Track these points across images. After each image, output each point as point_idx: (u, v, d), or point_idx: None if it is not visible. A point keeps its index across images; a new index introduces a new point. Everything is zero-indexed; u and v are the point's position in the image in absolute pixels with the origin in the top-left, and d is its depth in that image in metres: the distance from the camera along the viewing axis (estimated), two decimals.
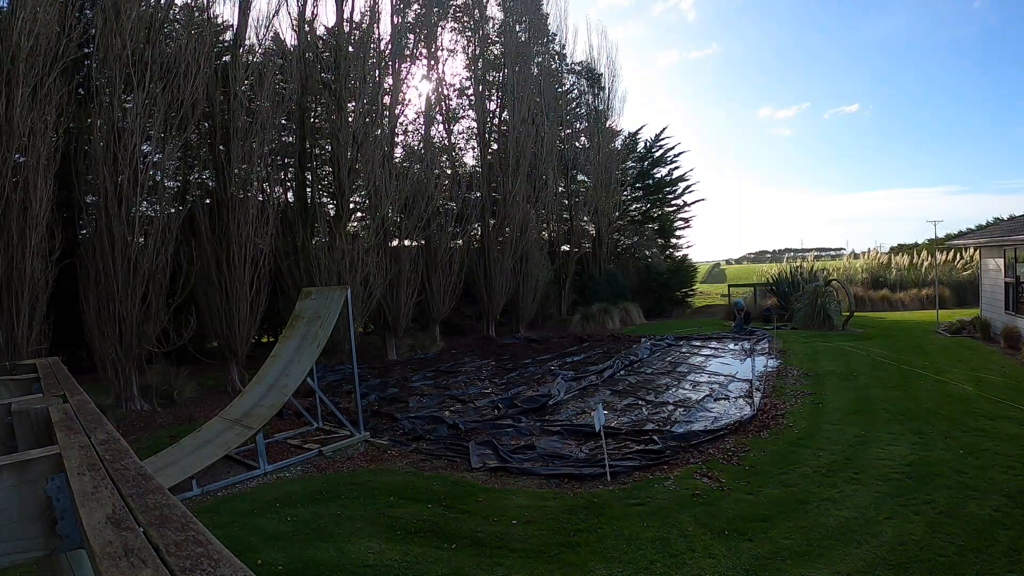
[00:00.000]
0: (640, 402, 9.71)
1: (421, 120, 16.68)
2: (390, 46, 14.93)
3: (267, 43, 12.80)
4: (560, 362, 13.60)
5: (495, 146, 18.73)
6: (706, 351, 14.48)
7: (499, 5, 18.72)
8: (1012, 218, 20.28)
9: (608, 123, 22.62)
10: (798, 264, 26.02)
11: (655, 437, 7.64)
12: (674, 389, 10.52)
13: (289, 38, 13.33)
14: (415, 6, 16.04)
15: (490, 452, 7.48)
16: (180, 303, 10.89)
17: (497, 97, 18.65)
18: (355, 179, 13.91)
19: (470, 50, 18.23)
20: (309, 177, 14.43)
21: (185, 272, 11.04)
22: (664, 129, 31.00)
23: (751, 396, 9.66)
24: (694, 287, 26.18)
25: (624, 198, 24.32)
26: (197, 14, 11.46)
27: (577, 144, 21.90)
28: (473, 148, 18.96)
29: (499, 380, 12.06)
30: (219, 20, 12.58)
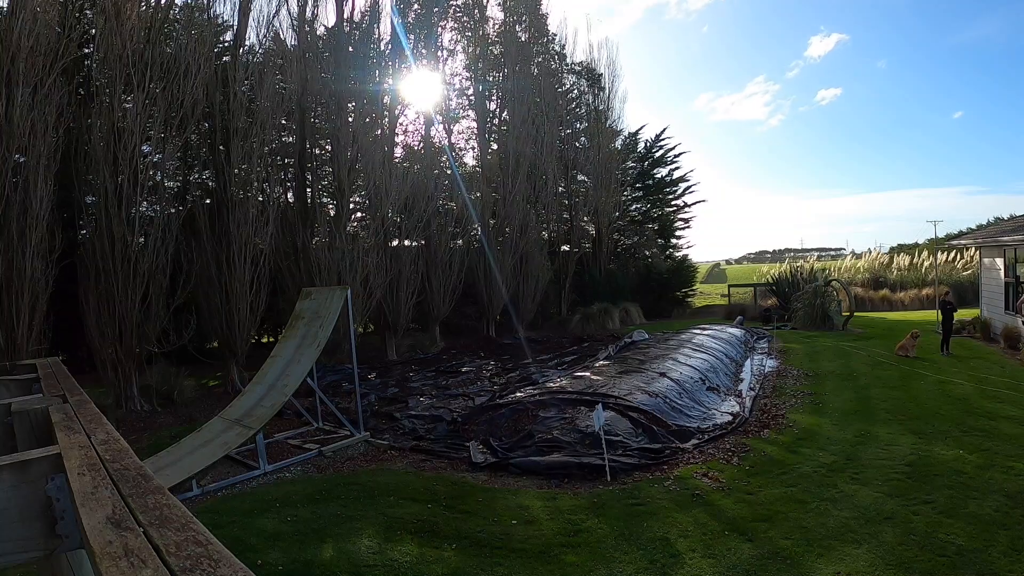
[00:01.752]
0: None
1: (421, 120, 16.69)
2: (390, 46, 14.93)
3: (267, 43, 12.81)
4: (559, 361, 13.61)
5: (495, 146, 18.72)
6: (705, 352, 14.46)
7: (499, 5, 18.73)
8: (1012, 217, 20.29)
9: (608, 123, 22.61)
10: (798, 264, 26.02)
11: (655, 428, 7.65)
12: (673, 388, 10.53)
13: (289, 38, 13.34)
14: (415, 6, 16.04)
15: (486, 441, 7.48)
16: (180, 303, 10.88)
17: (497, 97, 18.65)
18: (355, 179, 13.90)
19: (470, 50, 18.23)
20: (309, 177, 14.42)
21: (185, 272, 11.03)
22: (664, 129, 31.06)
23: (750, 396, 9.66)
24: (694, 287, 26.17)
25: (624, 198, 24.30)
26: (197, 14, 11.46)
27: (577, 144, 21.88)
28: (473, 148, 18.97)
29: (500, 380, 12.07)
30: (219, 20, 12.59)
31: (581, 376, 10.42)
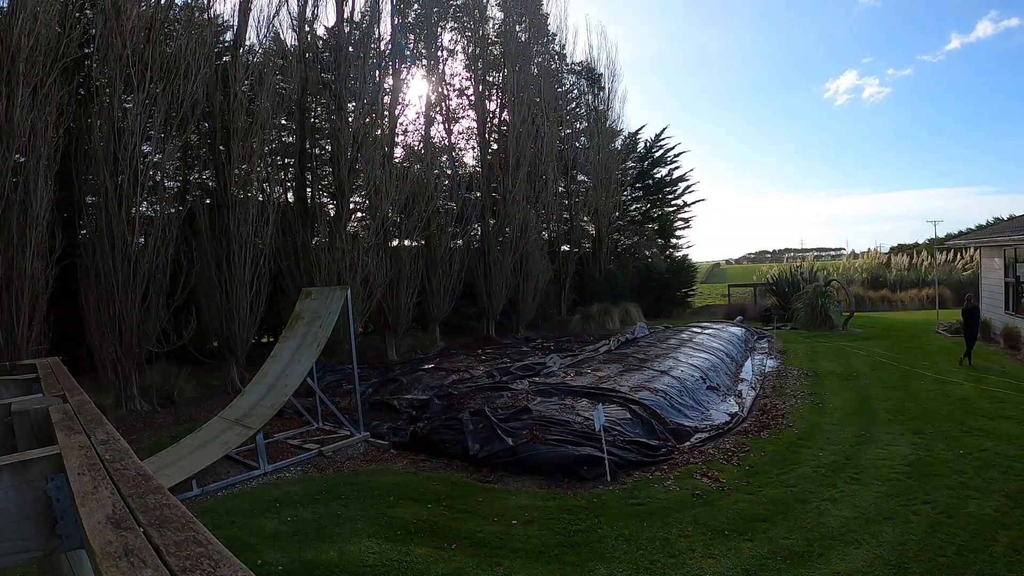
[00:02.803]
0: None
1: (421, 120, 16.68)
2: (390, 46, 14.93)
3: (267, 43, 12.80)
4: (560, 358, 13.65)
5: (495, 146, 18.72)
6: (705, 351, 14.48)
7: (499, 5, 18.71)
8: (1012, 218, 20.28)
9: (608, 123, 22.62)
10: (798, 264, 26.03)
11: (653, 423, 7.67)
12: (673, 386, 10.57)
13: (289, 38, 13.33)
14: (415, 6, 16.04)
15: (480, 411, 7.50)
16: (180, 303, 10.88)
17: (497, 97, 18.65)
18: (355, 179, 13.90)
19: (470, 50, 18.23)
20: (309, 177, 14.42)
21: (185, 272, 11.03)
22: (664, 129, 31.00)
23: (750, 396, 9.67)
24: (694, 287, 26.19)
25: (624, 198, 24.31)
26: (197, 14, 11.45)
27: (577, 144, 21.88)
28: (473, 148, 18.96)
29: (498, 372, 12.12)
30: (219, 20, 12.58)
31: (582, 371, 10.47)
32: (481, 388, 9.01)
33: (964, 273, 24.34)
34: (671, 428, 7.72)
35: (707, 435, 7.63)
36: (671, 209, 25.99)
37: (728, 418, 8.42)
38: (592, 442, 6.72)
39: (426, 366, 13.25)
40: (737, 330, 15.60)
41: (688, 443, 7.40)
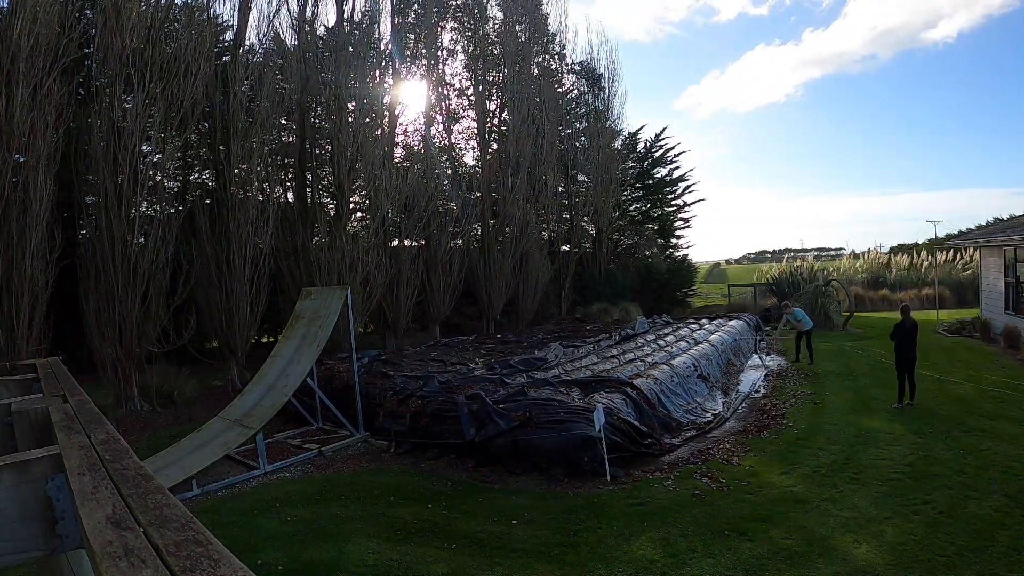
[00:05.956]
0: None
1: (421, 120, 16.68)
2: (390, 46, 14.93)
3: (267, 43, 12.81)
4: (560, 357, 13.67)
5: (495, 146, 18.72)
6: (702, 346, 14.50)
7: (499, 5, 18.72)
8: (1012, 218, 20.28)
9: (608, 123, 22.61)
10: (798, 264, 26.04)
11: (645, 406, 7.70)
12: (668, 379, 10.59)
13: (289, 38, 13.33)
14: (415, 6, 16.04)
15: (476, 396, 7.52)
16: (180, 303, 10.88)
17: (497, 97, 18.64)
18: (355, 179, 13.90)
19: (470, 50, 18.23)
20: (309, 177, 14.41)
21: (185, 272, 11.02)
22: (664, 129, 30.98)
23: (747, 395, 9.68)
24: (694, 287, 26.15)
25: (624, 198, 24.30)
26: (197, 14, 11.44)
27: (577, 144, 21.88)
28: (473, 148, 18.97)
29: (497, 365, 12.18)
30: (219, 20, 12.58)
31: (579, 367, 10.49)
32: (479, 378, 9.11)
33: (964, 273, 24.34)
34: (660, 416, 7.76)
35: (702, 430, 7.71)
36: (671, 209, 25.98)
37: (723, 415, 8.48)
38: (586, 419, 6.67)
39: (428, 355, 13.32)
40: (736, 323, 15.61)
41: (680, 436, 7.48)
